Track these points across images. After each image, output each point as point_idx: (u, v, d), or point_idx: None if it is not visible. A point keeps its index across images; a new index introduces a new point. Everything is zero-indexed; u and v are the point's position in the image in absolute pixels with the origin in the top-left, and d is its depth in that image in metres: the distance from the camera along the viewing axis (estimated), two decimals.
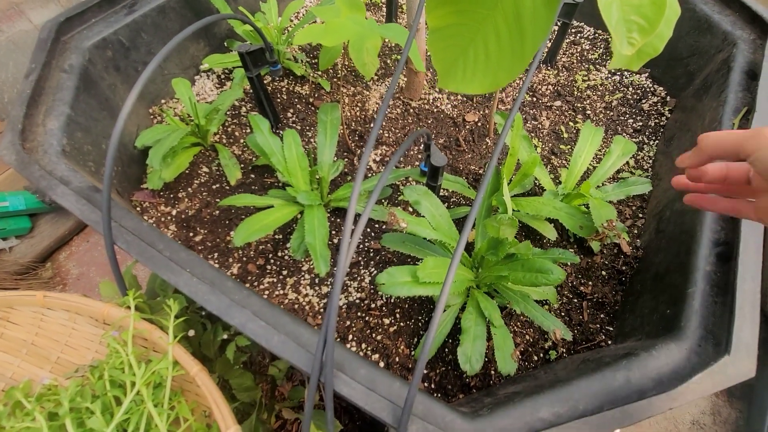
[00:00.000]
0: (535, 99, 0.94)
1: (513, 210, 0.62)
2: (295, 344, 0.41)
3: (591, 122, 0.89)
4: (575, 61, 1.02)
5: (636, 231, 0.71)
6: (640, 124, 0.90)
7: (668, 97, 0.93)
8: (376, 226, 0.72)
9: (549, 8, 0.30)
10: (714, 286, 0.49)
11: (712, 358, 0.42)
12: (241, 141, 0.83)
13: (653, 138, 0.87)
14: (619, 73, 0.99)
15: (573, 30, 1.08)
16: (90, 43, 0.72)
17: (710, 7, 0.82)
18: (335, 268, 0.66)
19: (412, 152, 0.83)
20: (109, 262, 0.46)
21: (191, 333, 0.51)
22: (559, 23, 0.93)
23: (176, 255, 0.49)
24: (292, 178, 0.64)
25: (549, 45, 0.99)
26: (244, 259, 0.68)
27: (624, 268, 0.67)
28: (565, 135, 0.88)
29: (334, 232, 0.70)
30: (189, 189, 0.75)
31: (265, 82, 0.92)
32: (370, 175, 0.78)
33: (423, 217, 0.58)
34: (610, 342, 0.60)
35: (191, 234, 0.70)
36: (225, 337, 0.54)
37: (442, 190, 0.77)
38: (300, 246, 0.59)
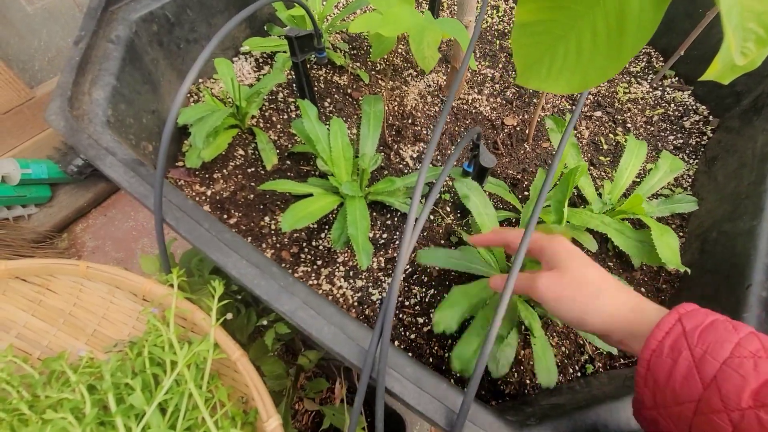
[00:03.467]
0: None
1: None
2: (346, 336, 0.40)
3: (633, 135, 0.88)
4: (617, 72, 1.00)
5: None
6: (681, 141, 0.88)
7: (711, 116, 0.91)
8: None
9: (657, 9, 0.29)
10: None
11: None
12: (278, 126, 0.82)
13: (693, 157, 0.85)
14: (660, 88, 0.97)
15: None
16: (137, 15, 0.71)
17: None
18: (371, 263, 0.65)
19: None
20: (157, 238, 0.45)
21: (229, 316, 0.50)
22: None
23: (221, 235, 0.48)
24: (335, 167, 0.63)
25: None
26: (278, 245, 0.67)
27: (664, 286, 0.65)
28: (605, 146, 0.86)
29: (371, 225, 0.69)
30: (224, 171, 0.75)
31: None
32: (407, 171, 0.77)
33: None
34: None
35: (225, 216, 0.69)
36: (264, 323, 0.53)
37: None
38: (340, 237, 0.58)
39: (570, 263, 0.38)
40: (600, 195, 0.72)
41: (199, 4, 0.81)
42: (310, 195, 0.64)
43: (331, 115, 0.85)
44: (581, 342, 0.60)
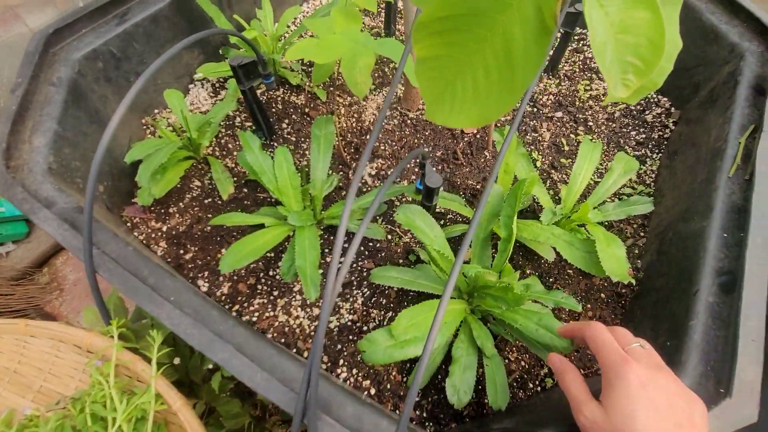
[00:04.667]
0: (535, 110, 0.92)
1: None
2: (279, 383, 0.40)
3: (592, 135, 0.87)
4: (578, 69, 0.99)
5: (636, 251, 0.69)
6: (643, 136, 0.87)
7: (672, 108, 0.91)
8: (371, 244, 0.70)
9: (539, 45, 0.28)
10: (716, 318, 0.47)
11: (713, 401, 0.40)
12: (235, 153, 0.81)
13: (656, 151, 0.85)
14: None
15: (576, 37, 1.06)
16: (80, 54, 0.71)
17: (717, 17, 0.80)
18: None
19: (409, 165, 0.82)
20: (92, 292, 0.45)
21: (177, 361, 0.49)
22: (561, 32, 0.90)
23: (161, 282, 0.47)
24: (283, 197, 0.63)
25: (551, 54, 0.97)
26: (235, 278, 0.66)
27: (624, 291, 0.65)
28: (566, 148, 0.86)
29: (327, 251, 0.68)
30: (180, 204, 0.74)
31: (259, 92, 0.91)
32: (366, 189, 0.76)
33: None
34: None
35: (182, 251, 0.69)
36: (210, 367, 0.53)
37: (438, 208, 0.75)
38: (290, 269, 0.58)
39: (620, 391, 0.32)
40: (559, 201, 0.71)
41: (145, 36, 0.81)
42: (263, 225, 0.63)
43: (289, 137, 0.85)
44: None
